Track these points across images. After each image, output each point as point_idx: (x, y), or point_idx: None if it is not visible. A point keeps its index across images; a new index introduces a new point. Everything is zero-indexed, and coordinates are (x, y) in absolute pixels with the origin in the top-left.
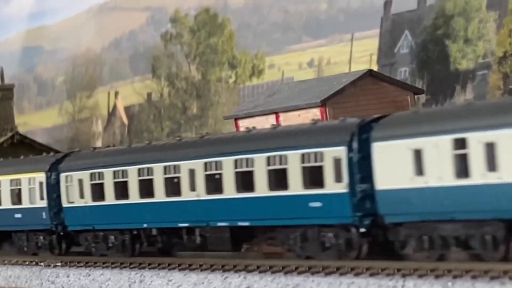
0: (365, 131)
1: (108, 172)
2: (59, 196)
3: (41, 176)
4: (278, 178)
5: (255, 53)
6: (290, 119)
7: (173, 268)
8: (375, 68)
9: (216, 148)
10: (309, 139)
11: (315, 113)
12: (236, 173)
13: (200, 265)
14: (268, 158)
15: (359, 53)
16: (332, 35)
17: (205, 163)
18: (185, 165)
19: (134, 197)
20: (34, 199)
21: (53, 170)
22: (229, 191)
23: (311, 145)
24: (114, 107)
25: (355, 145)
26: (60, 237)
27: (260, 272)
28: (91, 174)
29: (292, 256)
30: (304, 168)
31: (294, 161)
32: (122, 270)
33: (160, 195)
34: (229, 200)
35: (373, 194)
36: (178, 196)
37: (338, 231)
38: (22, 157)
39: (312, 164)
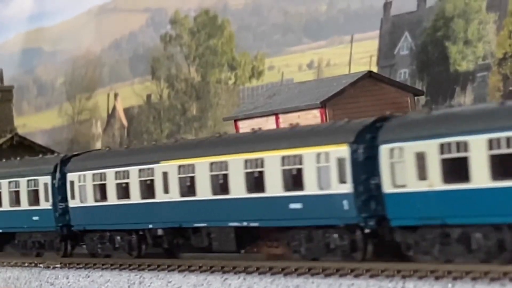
0: None
1: (476, 141)
2: (369, 177)
3: (341, 150)
4: None
5: (255, 55)
6: (290, 121)
7: (173, 270)
8: (374, 69)
9: None
10: None
11: (314, 114)
12: None
13: (200, 267)
14: None
15: (359, 55)
16: (332, 36)
17: None
18: None
19: None
20: (327, 182)
21: (362, 141)
22: None
23: None
24: (114, 108)
25: None
26: (364, 235)
27: (259, 273)
28: (441, 145)
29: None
30: None
31: None
32: (122, 272)
33: None
34: None
35: None
36: None
37: None
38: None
39: None
